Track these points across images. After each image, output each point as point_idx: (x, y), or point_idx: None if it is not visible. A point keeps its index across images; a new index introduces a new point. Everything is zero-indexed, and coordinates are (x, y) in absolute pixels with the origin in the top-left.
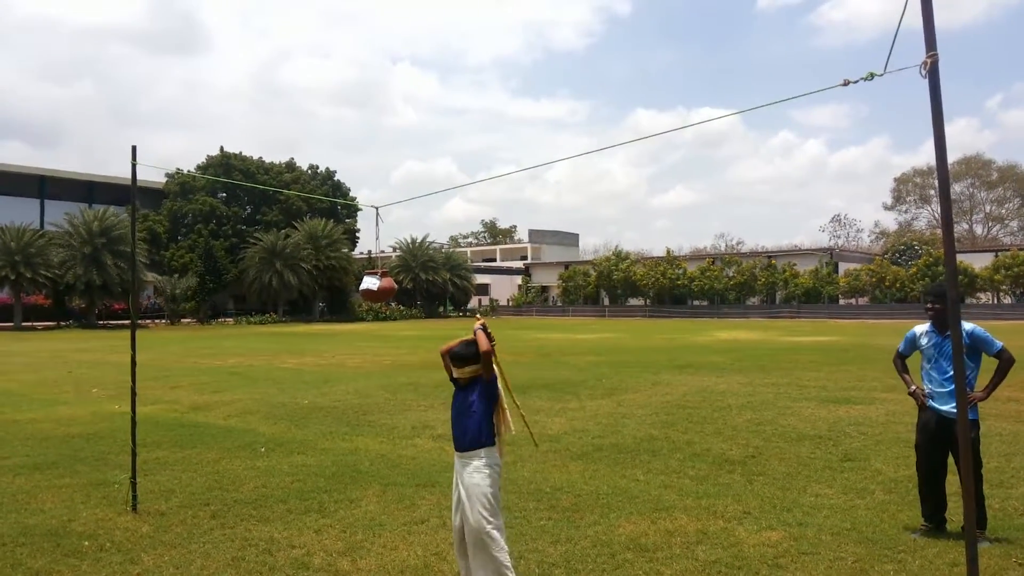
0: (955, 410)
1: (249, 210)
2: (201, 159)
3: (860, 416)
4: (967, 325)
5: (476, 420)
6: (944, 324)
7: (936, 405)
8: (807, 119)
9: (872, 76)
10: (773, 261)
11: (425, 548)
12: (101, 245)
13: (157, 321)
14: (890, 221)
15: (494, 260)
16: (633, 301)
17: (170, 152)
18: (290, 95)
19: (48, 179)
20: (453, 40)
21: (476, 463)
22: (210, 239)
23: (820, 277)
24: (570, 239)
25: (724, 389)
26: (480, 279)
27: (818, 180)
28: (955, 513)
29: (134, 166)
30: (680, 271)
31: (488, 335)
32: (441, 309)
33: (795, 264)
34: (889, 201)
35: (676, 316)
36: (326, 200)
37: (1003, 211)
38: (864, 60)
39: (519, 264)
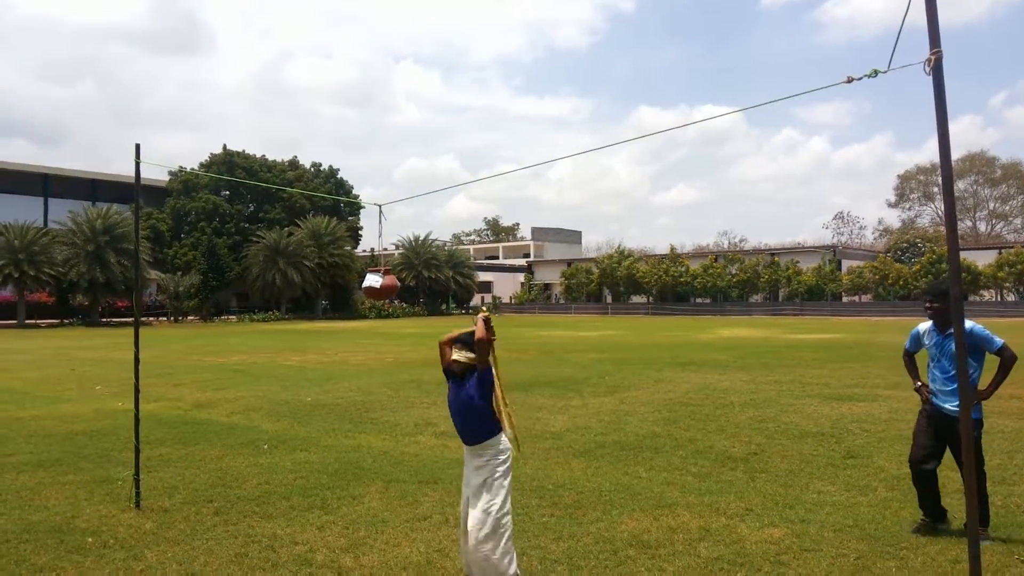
0: (957, 408)
1: (252, 208)
2: (204, 158)
3: (863, 413)
4: (966, 323)
5: (479, 413)
6: (943, 323)
7: (939, 403)
8: (810, 116)
9: (876, 73)
10: (776, 258)
11: (428, 544)
12: (104, 243)
13: (160, 319)
14: (893, 218)
15: (497, 258)
16: (636, 298)
17: (173, 151)
18: (292, 94)
19: (52, 177)
20: (455, 38)
21: (487, 455)
22: (213, 237)
23: (823, 274)
24: (573, 237)
25: (727, 386)
26: (483, 277)
27: (821, 177)
28: (958, 511)
29: (137, 164)
30: (683, 268)
31: (489, 327)
32: (444, 307)
33: (798, 261)
34: (892, 198)
35: (679, 313)
36: (329, 198)
37: (1007, 208)
38: (868, 57)
39: (522, 262)
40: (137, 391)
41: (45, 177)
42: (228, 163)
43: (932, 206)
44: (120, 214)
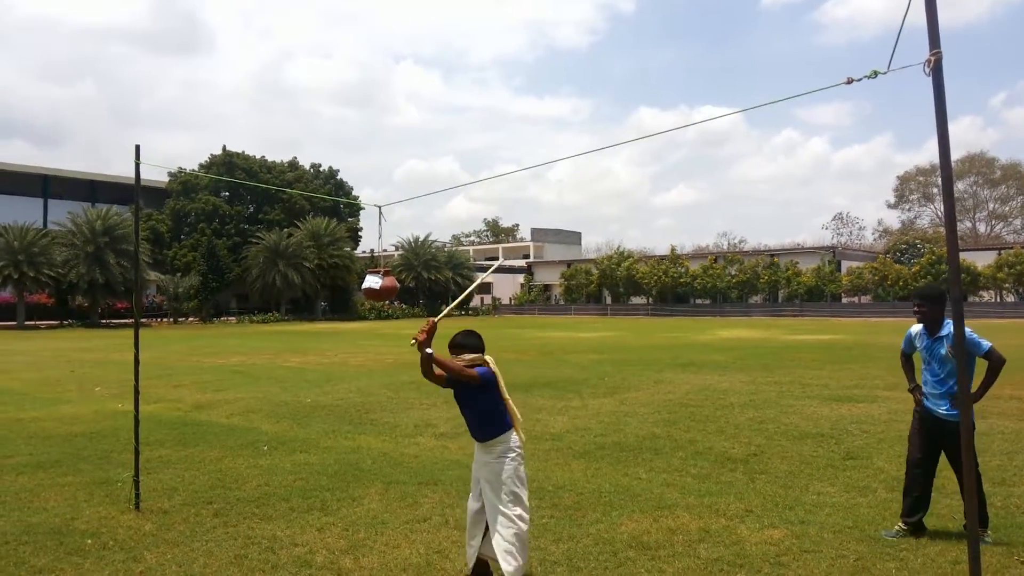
0: (948, 412)
1: (252, 209)
2: (203, 158)
3: (863, 414)
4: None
5: (487, 411)
6: (932, 326)
7: (930, 405)
8: (810, 117)
9: (876, 74)
10: (776, 259)
11: (427, 546)
12: (104, 244)
13: (160, 320)
14: (893, 219)
15: (496, 259)
16: (635, 299)
17: (172, 152)
18: (292, 95)
19: (51, 178)
20: (455, 38)
21: (497, 451)
22: (213, 238)
23: (823, 275)
24: (572, 238)
25: (726, 387)
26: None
27: (821, 178)
28: (957, 512)
29: (137, 165)
30: (683, 269)
31: (428, 337)
32: (443, 308)
33: (798, 262)
34: (892, 199)
35: (678, 314)
36: (329, 199)
37: (1006, 209)
38: (868, 58)
39: (521, 263)
40: (137, 392)
41: (45, 178)
42: (228, 164)
43: (932, 207)
44: (120, 215)
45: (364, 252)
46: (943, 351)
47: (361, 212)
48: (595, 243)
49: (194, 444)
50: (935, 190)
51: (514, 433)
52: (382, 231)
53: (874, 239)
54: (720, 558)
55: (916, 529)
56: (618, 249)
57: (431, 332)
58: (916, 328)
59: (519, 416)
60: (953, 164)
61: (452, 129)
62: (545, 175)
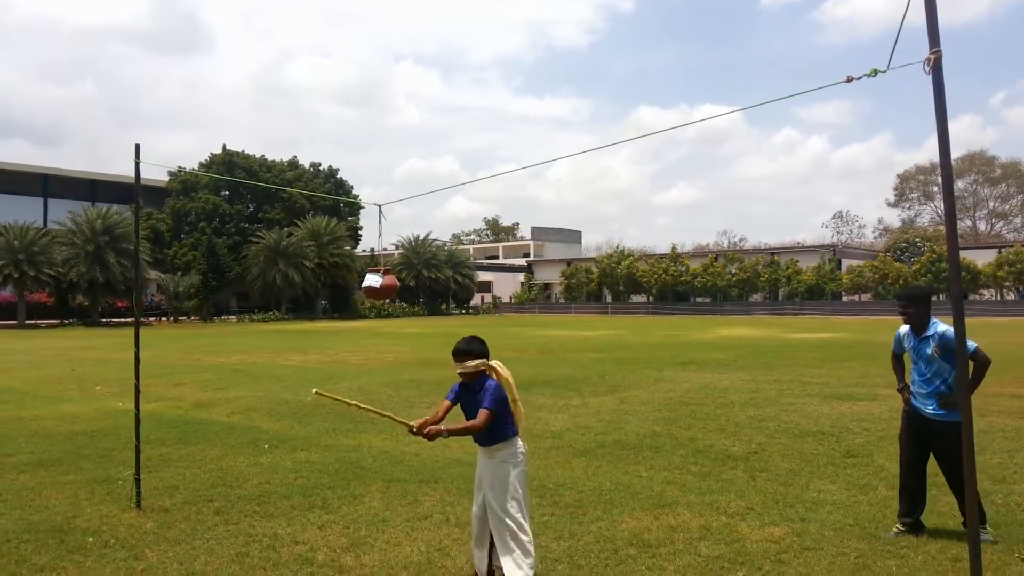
0: (935, 411)
1: (252, 208)
2: (204, 158)
3: (863, 412)
4: (940, 326)
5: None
6: (918, 327)
7: (917, 405)
8: (810, 116)
9: (876, 73)
10: (776, 258)
11: (428, 544)
12: (104, 243)
13: (160, 319)
14: (893, 218)
15: (497, 257)
16: (636, 298)
17: (173, 151)
18: (292, 94)
19: (51, 178)
20: (455, 38)
21: (500, 455)
22: (213, 237)
23: (823, 274)
24: (572, 236)
25: (727, 386)
26: (482, 276)
27: (821, 177)
28: (956, 509)
29: (137, 164)
30: (683, 268)
31: (432, 437)
32: (444, 307)
33: (798, 261)
34: (892, 198)
35: (679, 313)
36: (329, 198)
37: (1006, 207)
38: (867, 57)
39: (521, 261)
40: (137, 391)
41: (45, 177)
42: (228, 163)
43: (932, 205)
44: (120, 214)
45: (364, 251)
46: (929, 351)
47: (361, 211)
48: (595, 242)
49: (195, 442)
50: (935, 188)
51: (518, 439)
52: (382, 230)
53: (874, 237)
54: (721, 556)
55: (914, 528)
56: (618, 248)
57: (431, 437)
58: (904, 328)
59: (523, 413)
60: (953, 162)
61: (452, 129)
62: (545, 174)
